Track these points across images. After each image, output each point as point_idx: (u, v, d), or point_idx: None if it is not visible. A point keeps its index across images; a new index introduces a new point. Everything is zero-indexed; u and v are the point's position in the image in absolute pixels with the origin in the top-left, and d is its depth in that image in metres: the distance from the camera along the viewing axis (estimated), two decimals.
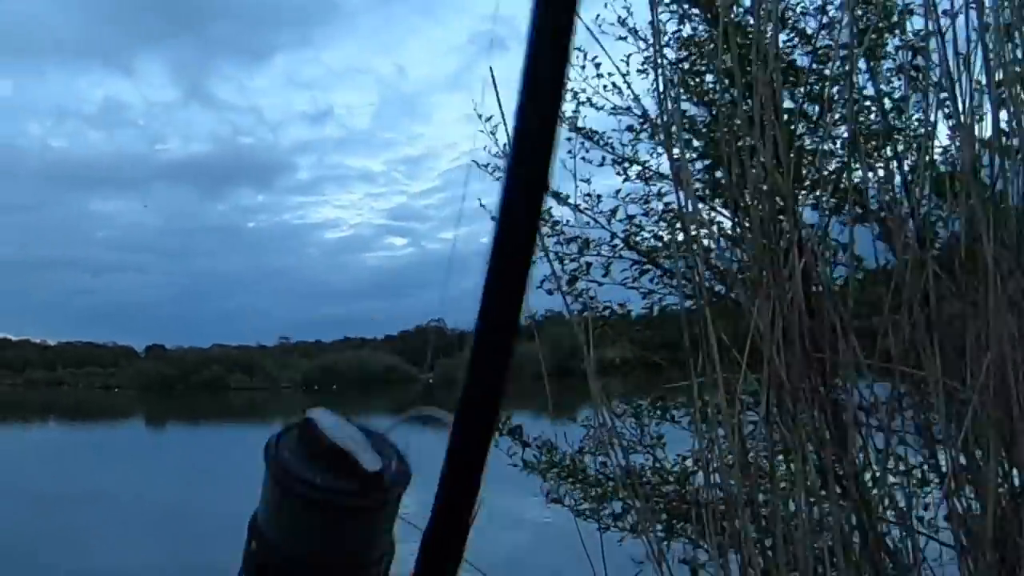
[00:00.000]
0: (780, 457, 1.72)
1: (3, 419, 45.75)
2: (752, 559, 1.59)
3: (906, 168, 2.60)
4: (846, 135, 1.97)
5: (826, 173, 2.38)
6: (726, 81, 2.10)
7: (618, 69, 3.48)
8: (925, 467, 2.04)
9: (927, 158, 2.04)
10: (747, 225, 1.74)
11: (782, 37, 2.66)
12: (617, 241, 3.53)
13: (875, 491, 1.84)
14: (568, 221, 3.62)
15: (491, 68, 1.63)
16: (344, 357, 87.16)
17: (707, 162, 3.38)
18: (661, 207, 3.64)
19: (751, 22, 2.79)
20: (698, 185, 3.55)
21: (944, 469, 1.80)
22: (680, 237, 3.33)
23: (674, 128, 2.20)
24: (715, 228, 3.33)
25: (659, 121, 3.67)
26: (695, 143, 3.44)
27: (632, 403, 3.41)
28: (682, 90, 3.56)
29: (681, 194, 1.87)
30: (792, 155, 1.88)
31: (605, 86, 3.80)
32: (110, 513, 16.09)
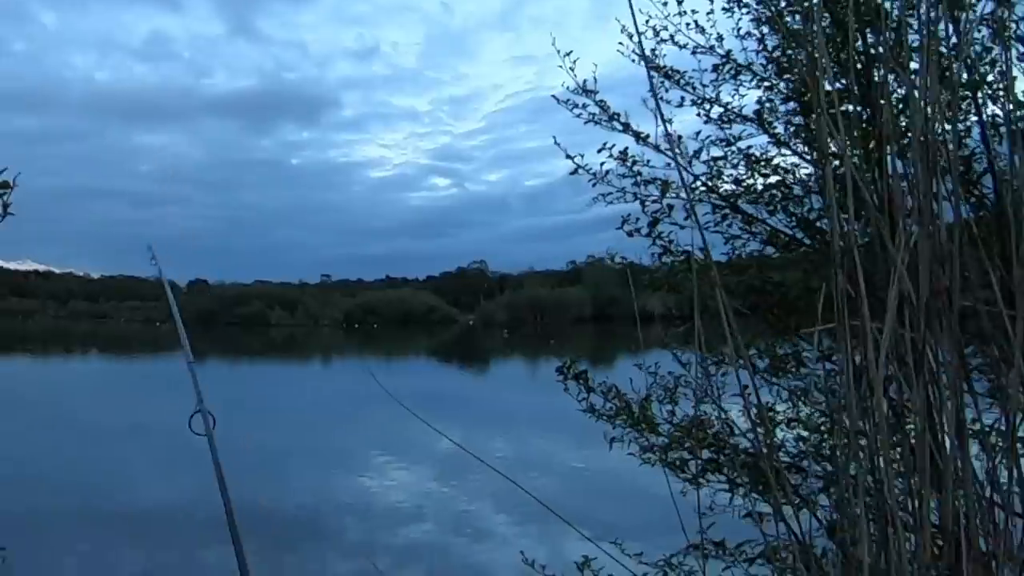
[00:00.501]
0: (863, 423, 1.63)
1: (47, 350, 46.65)
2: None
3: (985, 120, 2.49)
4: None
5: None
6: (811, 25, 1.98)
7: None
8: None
9: (1006, 110, 1.92)
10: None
11: None
12: (698, 183, 3.43)
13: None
14: (649, 161, 3.53)
15: None
16: (385, 296, 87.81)
17: (791, 105, 3.28)
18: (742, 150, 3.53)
19: None
20: (780, 128, 3.43)
21: None
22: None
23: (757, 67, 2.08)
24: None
25: (742, 61, 3.57)
26: (780, 85, 3.33)
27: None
28: (766, 29, 3.43)
29: None
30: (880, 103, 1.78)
31: (688, 24, 3.69)
32: (150, 446, 16.37)
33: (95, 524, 10.43)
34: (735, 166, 3.54)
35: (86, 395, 26.38)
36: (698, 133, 3.57)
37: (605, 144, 3.56)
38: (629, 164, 3.52)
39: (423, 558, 9.08)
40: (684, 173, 3.38)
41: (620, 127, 3.69)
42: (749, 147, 3.55)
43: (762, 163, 3.47)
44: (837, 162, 1.71)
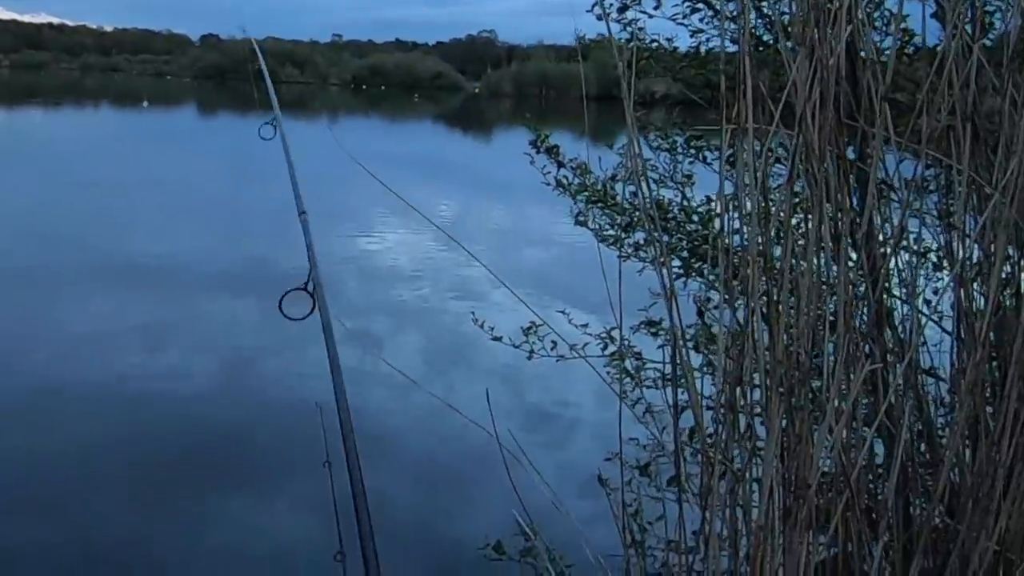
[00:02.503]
0: (800, 215, 1.75)
1: (59, 102, 46.21)
2: (757, 307, 1.66)
3: None
4: None
5: None
6: None
7: None
8: (941, 253, 2.09)
9: None
10: None
11: None
12: None
13: (889, 266, 1.89)
14: None
15: None
16: (394, 59, 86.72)
17: None
18: None
19: None
20: None
21: (957, 258, 1.84)
22: None
23: None
24: None
25: None
26: None
27: (668, 138, 3.43)
28: None
29: None
30: None
31: None
32: (160, 198, 16.58)
33: (104, 277, 10.74)
34: None
35: (99, 149, 26.38)
36: None
37: None
38: None
39: (418, 321, 9.45)
40: None
41: None
42: None
43: None
44: None
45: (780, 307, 1.66)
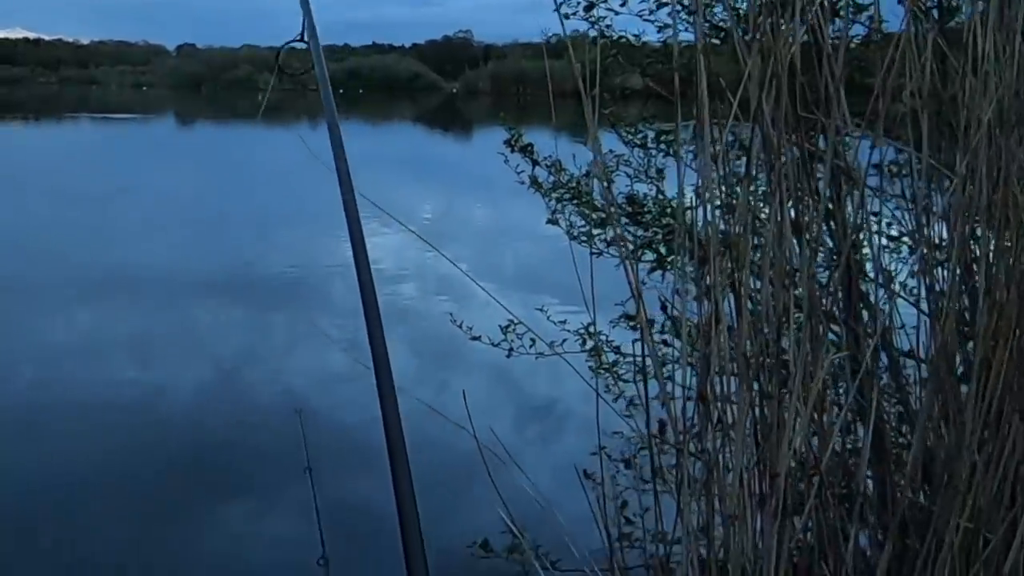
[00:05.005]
0: (763, 205, 1.77)
1: (39, 116, 45.99)
2: (723, 296, 1.68)
3: None
4: None
5: None
6: None
7: None
8: (912, 236, 2.10)
9: None
10: None
11: None
12: None
13: (862, 252, 1.91)
14: None
15: None
16: (370, 62, 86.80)
17: None
18: None
19: None
20: None
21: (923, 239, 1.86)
22: None
23: None
24: None
25: None
26: None
27: (640, 133, 3.46)
28: None
29: None
30: None
31: None
32: (140, 209, 16.51)
33: (86, 287, 10.70)
34: None
35: (78, 161, 26.25)
36: None
37: None
38: None
39: (404, 322, 9.45)
40: None
41: None
42: None
43: None
44: None
45: (743, 294, 1.67)
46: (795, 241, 1.73)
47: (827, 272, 2.02)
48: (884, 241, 2.02)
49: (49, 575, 4.21)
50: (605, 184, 1.95)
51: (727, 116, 1.71)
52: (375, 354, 1.79)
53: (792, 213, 1.72)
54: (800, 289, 1.72)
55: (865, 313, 1.99)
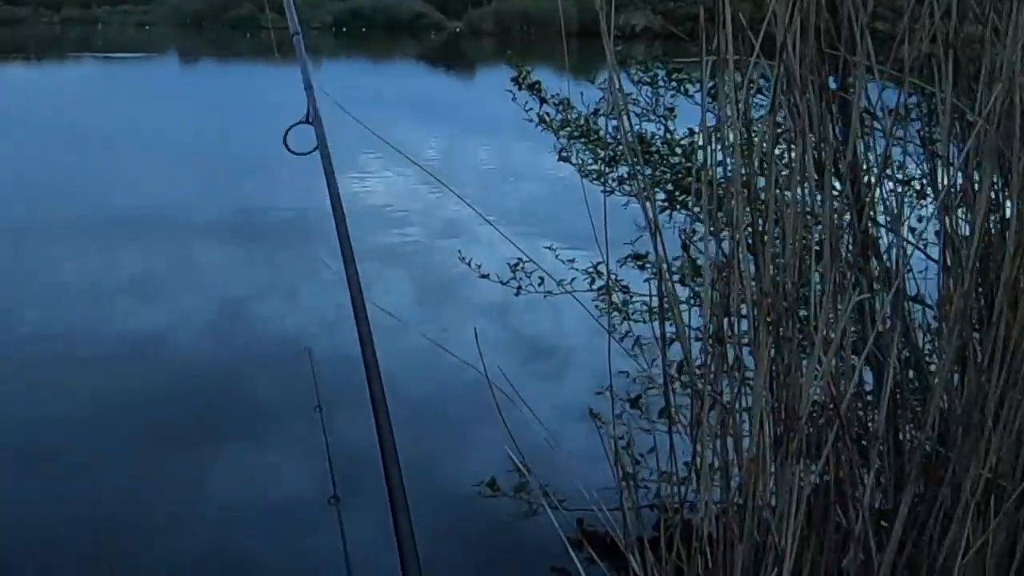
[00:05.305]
0: (783, 145, 1.74)
1: (42, 57, 45.48)
2: (743, 238, 1.65)
3: None
4: None
5: None
6: None
7: None
8: (924, 181, 2.08)
9: None
10: None
11: None
12: None
13: (873, 195, 1.88)
14: None
15: None
16: (372, 2, 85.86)
17: None
18: None
19: None
20: None
21: (941, 186, 1.83)
22: None
23: None
24: None
25: None
26: None
27: (650, 71, 3.40)
28: None
29: None
30: None
31: None
32: (144, 150, 16.38)
33: (94, 230, 10.66)
34: None
35: (83, 101, 26.00)
36: None
37: None
38: None
39: (408, 262, 9.43)
40: None
41: None
42: None
43: None
44: None
45: (765, 238, 1.65)
46: (816, 181, 1.71)
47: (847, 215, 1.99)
48: (898, 188, 1.99)
49: (54, 508, 4.23)
50: (619, 119, 1.90)
51: (747, 56, 1.68)
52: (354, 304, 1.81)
53: (816, 154, 1.69)
54: (819, 232, 1.70)
55: (882, 258, 1.97)
